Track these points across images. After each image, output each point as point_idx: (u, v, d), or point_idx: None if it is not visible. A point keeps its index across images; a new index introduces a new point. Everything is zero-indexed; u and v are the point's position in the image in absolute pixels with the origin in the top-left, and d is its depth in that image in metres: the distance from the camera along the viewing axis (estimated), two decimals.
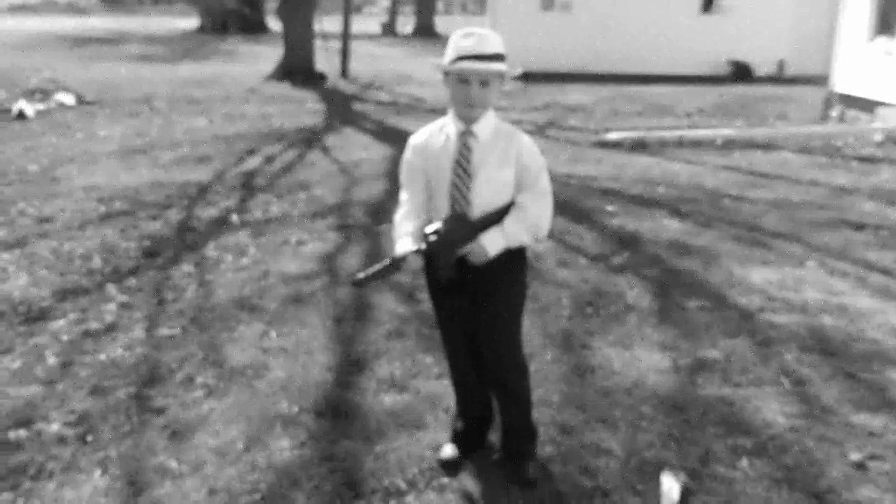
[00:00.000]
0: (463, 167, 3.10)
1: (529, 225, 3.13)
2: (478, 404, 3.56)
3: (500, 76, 3.09)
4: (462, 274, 3.15)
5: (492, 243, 3.08)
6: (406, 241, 3.12)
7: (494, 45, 3.01)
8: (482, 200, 3.10)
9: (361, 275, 3.09)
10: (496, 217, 3.12)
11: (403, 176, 3.29)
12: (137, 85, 17.60)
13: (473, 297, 3.25)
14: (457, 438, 3.55)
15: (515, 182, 3.14)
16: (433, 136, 3.21)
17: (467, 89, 3.03)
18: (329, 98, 16.33)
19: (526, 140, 3.17)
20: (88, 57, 24.62)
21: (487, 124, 3.13)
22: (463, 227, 3.08)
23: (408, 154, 3.26)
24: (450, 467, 3.44)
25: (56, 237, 6.64)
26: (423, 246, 3.06)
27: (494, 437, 3.62)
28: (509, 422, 3.46)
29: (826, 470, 3.44)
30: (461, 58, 3.00)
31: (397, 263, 3.07)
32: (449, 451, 3.51)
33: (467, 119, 3.11)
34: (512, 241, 3.12)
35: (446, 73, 3.09)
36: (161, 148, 10.70)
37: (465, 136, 3.12)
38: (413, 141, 3.26)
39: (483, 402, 3.56)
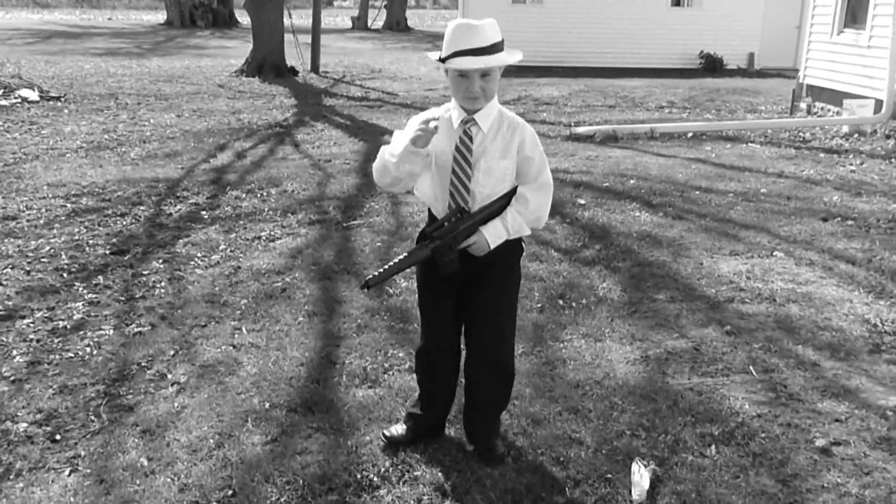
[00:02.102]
0: (464, 155, 3.10)
1: (531, 218, 3.18)
2: (441, 396, 3.58)
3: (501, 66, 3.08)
4: (463, 265, 3.18)
5: (493, 236, 3.12)
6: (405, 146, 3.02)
7: (491, 35, 2.99)
8: (482, 190, 3.13)
9: (371, 276, 3.12)
10: (496, 207, 3.15)
11: (396, 133, 3.17)
12: (104, 80, 17.40)
13: (470, 285, 3.28)
14: (411, 421, 3.59)
15: (517, 173, 3.18)
16: (441, 118, 3.15)
17: (468, 83, 3.01)
18: (300, 93, 16.25)
19: (529, 131, 3.19)
20: (53, 52, 24.31)
21: (490, 113, 3.12)
22: (464, 221, 3.10)
23: (413, 125, 3.10)
24: (393, 445, 3.51)
25: (22, 235, 6.55)
26: (428, 252, 3.10)
27: (452, 431, 3.63)
28: (488, 397, 3.48)
29: (792, 456, 3.49)
30: (459, 52, 2.96)
31: (412, 259, 3.15)
32: (399, 429, 3.57)
33: (470, 109, 3.11)
34: (513, 234, 3.16)
35: (445, 69, 3.07)
36: (129, 144, 10.59)
37: (468, 124, 3.11)
38: (422, 115, 3.15)
39: (447, 395, 3.59)
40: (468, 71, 2.99)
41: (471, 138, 3.11)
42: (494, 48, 2.99)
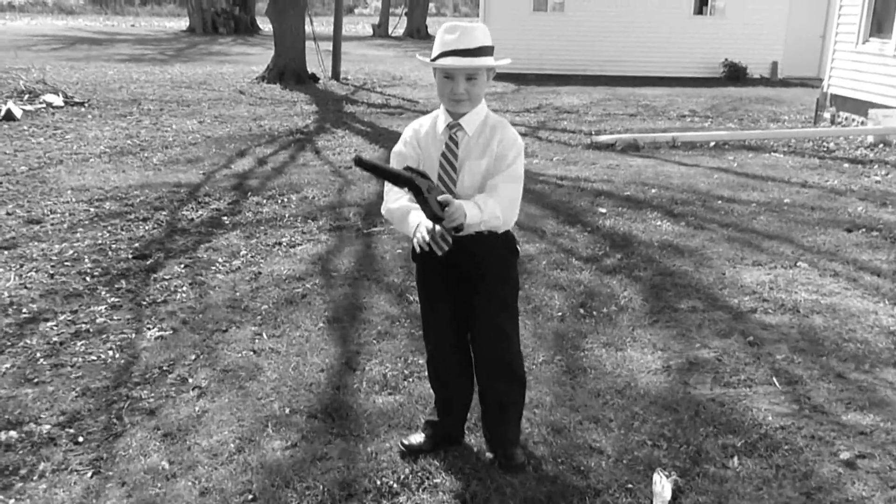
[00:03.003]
0: (449, 160, 3.10)
1: (503, 204, 3.01)
2: (456, 403, 3.58)
3: (487, 70, 3.07)
4: (457, 262, 3.13)
5: (469, 208, 2.91)
6: (415, 214, 3.07)
7: (480, 38, 2.98)
8: (468, 193, 3.10)
9: (367, 157, 2.99)
10: None
11: (392, 162, 3.25)
12: (127, 86, 17.53)
13: (466, 289, 3.27)
14: (430, 429, 3.59)
15: (490, 170, 3.09)
16: (428, 126, 3.21)
17: (452, 84, 3.02)
18: (320, 99, 16.31)
19: (509, 131, 3.13)
20: (77, 58, 24.53)
21: (476, 117, 3.12)
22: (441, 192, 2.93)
23: (405, 135, 3.23)
24: (412, 453, 3.51)
25: (46, 239, 6.61)
26: (412, 178, 2.86)
27: (473, 439, 3.62)
28: (498, 399, 3.45)
29: (816, 469, 3.45)
30: (445, 53, 2.98)
31: (406, 180, 2.89)
32: (417, 438, 3.57)
33: (455, 113, 3.11)
34: (486, 215, 2.96)
35: (434, 69, 3.07)
36: (151, 149, 10.67)
37: (453, 128, 3.11)
38: (412, 125, 3.26)
39: (462, 402, 3.59)
40: (453, 71, 2.99)
41: (456, 143, 3.11)
42: (481, 51, 2.98)
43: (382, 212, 3.32)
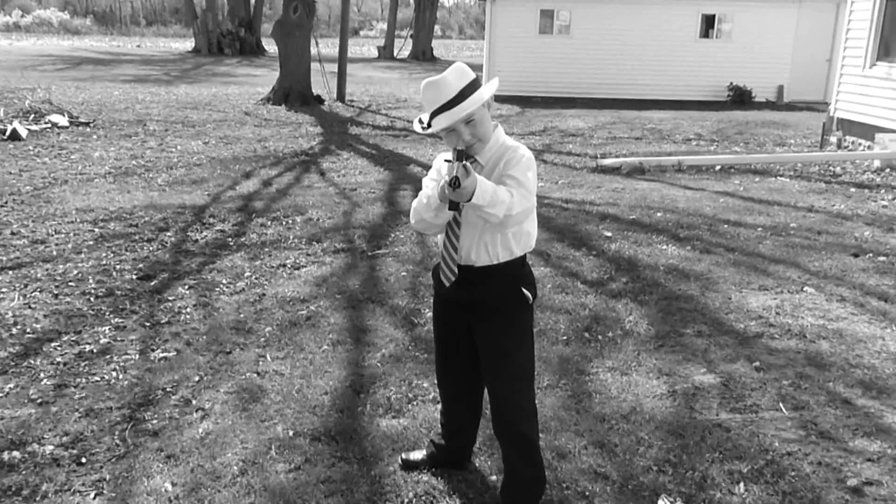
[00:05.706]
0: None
1: (513, 195, 2.82)
2: (460, 429, 3.54)
3: (482, 104, 2.97)
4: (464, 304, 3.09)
5: (480, 187, 2.73)
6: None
7: (455, 84, 2.90)
8: (473, 220, 3.02)
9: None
10: None
11: (425, 187, 3.12)
12: (132, 107, 17.63)
13: (477, 338, 3.17)
14: (432, 447, 3.58)
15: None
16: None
17: (457, 135, 2.95)
18: (326, 121, 16.37)
19: (520, 153, 3.01)
20: (83, 78, 24.69)
21: (492, 146, 3.05)
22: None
23: (433, 167, 3.16)
24: (409, 468, 3.55)
25: (50, 259, 6.61)
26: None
27: (477, 462, 3.59)
28: (506, 457, 3.32)
29: (823, 495, 3.42)
30: (434, 113, 2.93)
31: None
32: (418, 455, 3.60)
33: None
34: (493, 194, 2.75)
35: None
36: (156, 170, 10.70)
37: (469, 160, 3.07)
38: (437, 159, 3.16)
39: (464, 429, 3.55)
40: (449, 127, 2.93)
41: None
42: (464, 94, 2.90)
43: (412, 222, 3.12)
